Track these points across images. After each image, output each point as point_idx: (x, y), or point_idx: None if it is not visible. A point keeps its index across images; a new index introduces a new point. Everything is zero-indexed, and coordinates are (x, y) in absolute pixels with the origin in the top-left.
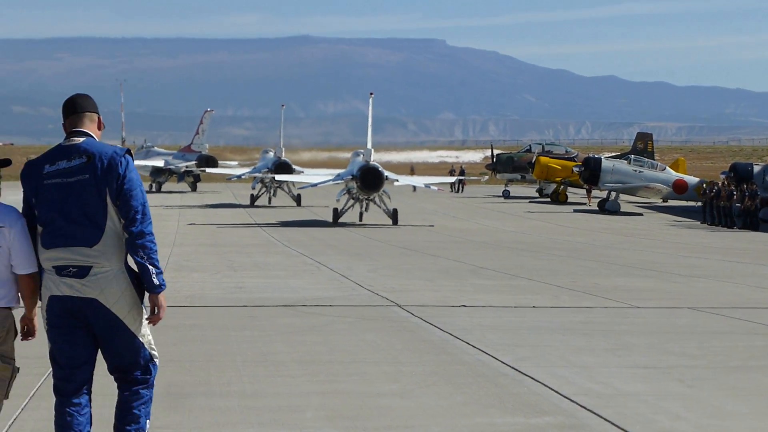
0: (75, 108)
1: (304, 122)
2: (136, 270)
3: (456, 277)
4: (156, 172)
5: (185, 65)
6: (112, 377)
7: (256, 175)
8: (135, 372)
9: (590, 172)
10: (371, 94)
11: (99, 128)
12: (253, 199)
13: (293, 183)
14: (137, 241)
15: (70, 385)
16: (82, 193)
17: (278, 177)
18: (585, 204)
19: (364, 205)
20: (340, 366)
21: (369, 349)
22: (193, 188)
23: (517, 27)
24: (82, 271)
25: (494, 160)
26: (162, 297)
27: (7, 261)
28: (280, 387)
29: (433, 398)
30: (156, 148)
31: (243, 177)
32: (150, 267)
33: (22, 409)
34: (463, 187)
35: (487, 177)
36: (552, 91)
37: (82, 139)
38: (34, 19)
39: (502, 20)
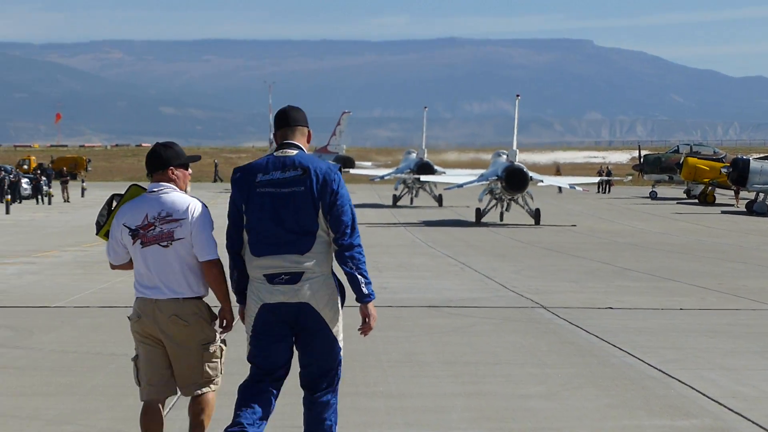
0: (288, 121)
1: (450, 123)
2: (347, 279)
3: (601, 279)
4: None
5: (332, 67)
6: (302, 388)
7: (399, 175)
8: (326, 378)
9: (738, 174)
10: (518, 96)
11: (308, 141)
12: (396, 199)
13: (435, 183)
14: (346, 253)
15: (262, 387)
16: (295, 204)
17: (422, 178)
18: (733, 205)
19: (505, 205)
20: (485, 367)
21: (514, 351)
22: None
23: (664, 27)
24: (294, 278)
25: (641, 160)
26: (371, 306)
27: (191, 250)
28: (425, 388)
29: (579, 400)
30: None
31: (386, 178)
32: (359, 277)
33: (171, 408)
34: (609, 188)
35: (630, 177)
36: (700, 92)
37: (295, 152)
38: (184, 21)
39: (650, 20)
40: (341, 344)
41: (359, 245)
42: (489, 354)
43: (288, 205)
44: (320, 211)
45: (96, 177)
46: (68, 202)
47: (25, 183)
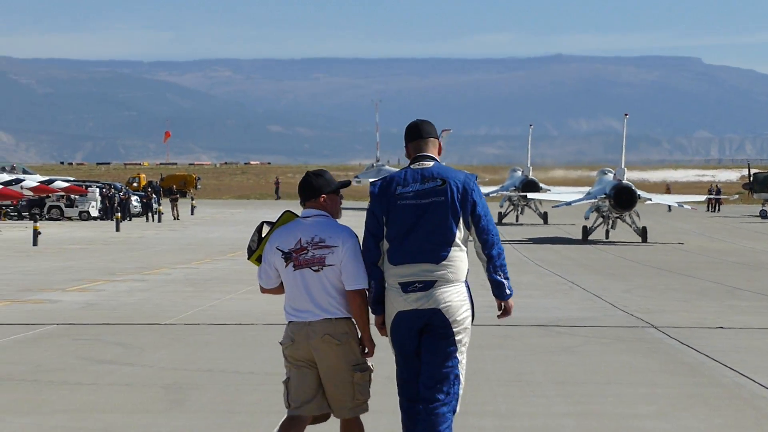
0: (420, 133)
1: (557, 140)
2: (491, 286)
3: (712, 298)
4: None
5: (439, 85)
6: (419, 400)
7: (504, 193)
8: (441, 388)
9: None
10: (626, 115)
11: (439, 153)
12: (501, 216)
13: (540, 201)
14: (497, 262)
15: (412, 390)
16: (435, 214)
17: (529, 195)
18: None
19: (611, 223)
20: (594, 387)
21: (624, 371)
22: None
23: None
24: (426, 285)
25: (751, 179)
26: (512, 302)
27: (339, 276)
28: (534, 407)
29: (690, 420)
30: (386, 167)
31: (491, 195)
32: (505, 282)
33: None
34: (719, 207)
35: (737, 196)
36: None
37: (431, 164)
38: (293, 39)
39: (759, 38)
40: (462, 359)
41: (503, 252)
42: (599, 374)
43: (427, 216)
44: (460, 220)
45: (205, 195)
46: (178, 219)
47: (134, 200)
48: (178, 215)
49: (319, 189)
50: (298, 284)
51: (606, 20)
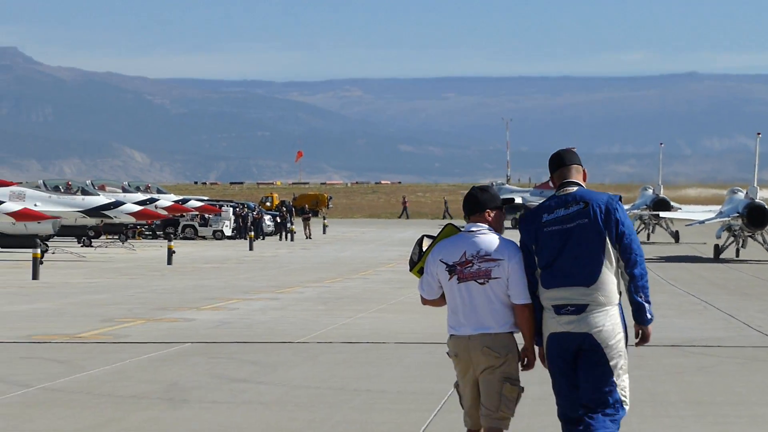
0: (563, 161)
1: (690, 159)
2: (632, 308)
3: None
4: (511, 208)
5: (570, 103)
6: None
7: (635, 211)
8: (602, 412)
9: None
10: (758, 134)
11: (584, 179)
12: None
13: (672, 219)
14: (639, 282)
15: (569, 412)
16: (580, 237)
17: (661, 214)
18: None
19: (741, 242)
20: (729, 407)
21: (759, 391)
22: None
23: None
24: (579, 309)
25: None
26: (650, 328)
27: (505, 290)
28: (669, 428)
29: None
30: (506, 185)
31: None
32: (646, 305)
33: None
34: None
35: None
36: None
37: (574, 189)
38: (423, 59)
39: None
40: (620, 382)
41: (647, 273)
42: (734, 394)
43: (574, 239)
44: (606, 242)
45: (336, 214)
46: (310, 238)
47: (267, 220)
48: (310, 234)
49: (484, 204)
50: (463, 297)
51: (740, 38)
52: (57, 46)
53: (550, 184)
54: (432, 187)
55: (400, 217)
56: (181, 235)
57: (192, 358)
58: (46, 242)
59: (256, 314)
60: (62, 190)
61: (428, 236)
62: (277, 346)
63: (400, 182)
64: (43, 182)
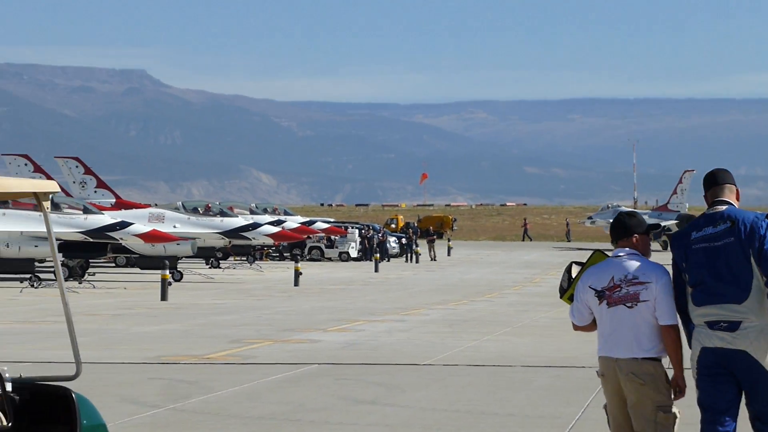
0: (716, 180)
1: None
2: None
3: None
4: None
5: (697, 125)
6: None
7: None
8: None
9: None
10: None
11: (737, 198)
12: None
13: None
14: None
15: (714, 428)
16: (728, 255)
17: None
18: None
19: None
20: None
21: None
22: (664, 247)
23: None
24: (732, 326)
25: None
26: None
27: (653, 312)
28: None
29: None
30: (622, 207)
31: None
32: None
33: None
34: None
35: None
36: None
37: (724, 207)
38: (549, 80)
39: None
40: None
41: None
42: None
43: (721, 257)
44: (752, 259)
45: (461, 236)
46: (435, 260)
47: (392, 241)
48: (435, 256)
49: (631, 229)
50: (612, 321)
51: None
52: (185, 69)
53: (668, 206)
54: (557, 209)
55: (523, 240)
56: (307, 257)
57: (319, 380)
58: (175, 267)
59: (381, 336)
60: (201, 212)
61: (577, 263)
62: (402, 368)
63: (525, 204)
64: (182, 204)
